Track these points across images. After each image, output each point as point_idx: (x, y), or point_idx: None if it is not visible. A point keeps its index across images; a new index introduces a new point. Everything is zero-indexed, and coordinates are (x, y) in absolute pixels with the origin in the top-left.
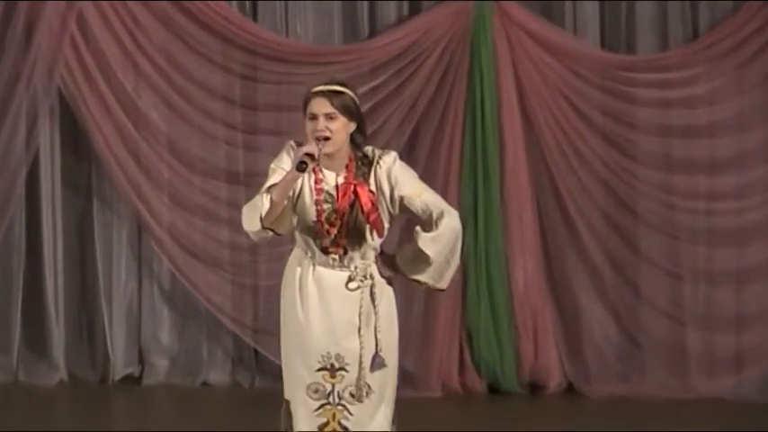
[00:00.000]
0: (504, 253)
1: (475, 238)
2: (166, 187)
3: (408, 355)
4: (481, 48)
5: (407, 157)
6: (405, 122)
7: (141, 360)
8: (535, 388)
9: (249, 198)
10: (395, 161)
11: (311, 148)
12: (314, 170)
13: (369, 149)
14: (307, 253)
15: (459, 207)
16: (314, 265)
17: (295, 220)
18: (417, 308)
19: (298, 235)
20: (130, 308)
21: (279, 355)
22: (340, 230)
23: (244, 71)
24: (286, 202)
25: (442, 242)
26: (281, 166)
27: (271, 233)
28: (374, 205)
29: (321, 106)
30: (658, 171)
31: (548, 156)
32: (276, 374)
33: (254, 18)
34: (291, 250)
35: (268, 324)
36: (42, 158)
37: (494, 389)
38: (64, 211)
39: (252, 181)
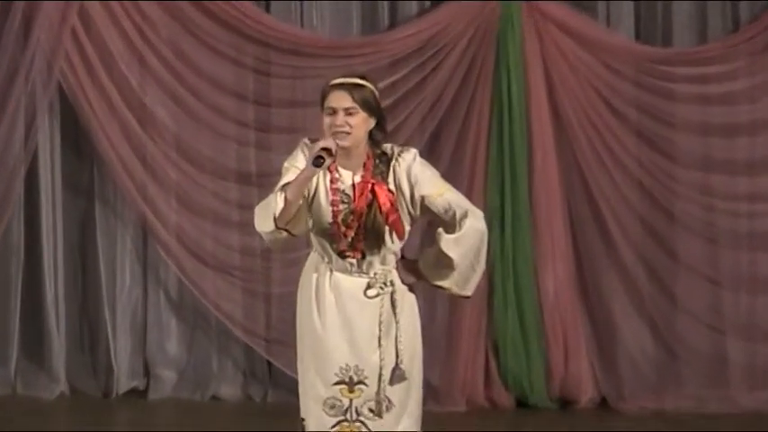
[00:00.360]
0: (532, 259)
1: (501, 243)
2: (173, 189)
3: (431, 367)
4: (508, 40)
5: (429, 156)
6: (426, 120)
7: (147, 372)
8: (565, 402)
9: (262, 200)
10: (415, 158)
11: (328, 142)
12: (329, 169)
13: (387, 147)
14: (323, 258)
15: (485, 210)
16: (331, 270)
17: (310, 223)
18: (440, 317)
19: (313, 238)
20: (135, 317)
21: (293, 368)
22: (357, 233)
23: (256, 65)
24: (301, 201)
25: (465, 244)
26: (295, 164)
27: (285, 234)
28: (393, 205)
29: (341, 100)
30: (697, 171)
31: (579, 155)
32: (290, 388)
33: (268, 9)
34: (307, 255)
35: (282, 334)
36: (41, 158)
37: (521, 403)
38: (64, 214)
39: (264, 182)
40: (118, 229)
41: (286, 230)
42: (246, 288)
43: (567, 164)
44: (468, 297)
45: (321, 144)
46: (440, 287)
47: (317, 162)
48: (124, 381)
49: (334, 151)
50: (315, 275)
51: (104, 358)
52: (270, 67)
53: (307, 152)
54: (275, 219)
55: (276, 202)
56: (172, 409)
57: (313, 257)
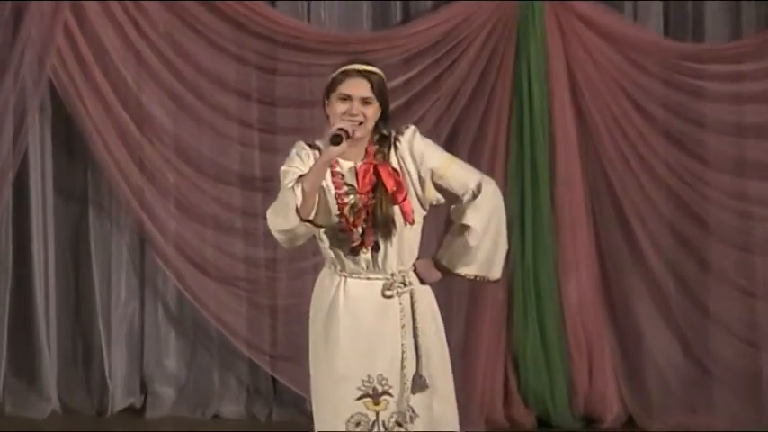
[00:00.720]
0: (554, 267)
1: (522, 252)
2: (172, 194)
3: None
4: (529, 35)
5: None
6: (442, 121)
7: (144, 389)
8: (590, 421)
9: (266, 205)
10: (415, 134)
11: (345, 124)
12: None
13: (384, 131)
14: (336, 267)
15: None
16: (345, 278)
17: (318, 232)
18: (456, 330)
19: (323, 244)
20: (131, 330)
21: (299, 384)
22: (367, 221)
23: (261, 62)
24: (318, 193)
25: (485, 210)
26: (294, 165)
27: (310, 226)
28: (400, 185)
29: (359, 88)
30: (729, 175)
31: (604, 158)
32: (296, 406)
33: (272, 2)
34: (315, 265)
35: (288, 349)
36: (31, 161)
37: (543, 422)
38: (56, 221)
39: (269, 186)
40: (113, 236)
41: (310, 222)
42: (250, 300)
43: (591, 167)
44: (497, 281)
45: (338, 125)
46: (465, 276)
47: (335, 140)
48: (120, 398)
49: (350, 134)
50: (328, 287)
51: (98, 374)
52: (275, 63)
53: (303, 155)
54: (297, 210)
55: (294, 194)
56: (170, 429)
57: (325, 271)
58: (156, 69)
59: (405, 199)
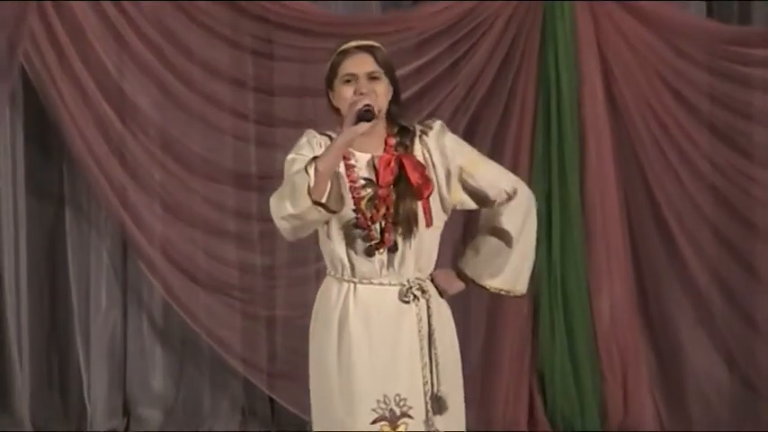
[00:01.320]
0: (585, 276)
1: (549, 258)
2: (159, 193)
3: (465, 404)
4: (556, 17)
5: None
6: (459, 112)
7: (127, 411)
8: None
9: (263, 206)
10: (443, 128)
11: (368, 99)
12: (343, 154)
13: (404, 122)
14: (343, 272)
15: None
16: (354, 285)
17: (329, 229)
18: (476, 344)
19: (331, 248)
20: (113, 345)
21: (298, 405)
22: (386, 217)
23: (257, 46)
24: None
25: (519, 215)
26: (303, 153)
27: (322, 212)
28: (427, 179)
29: (362, 64)
30: None
31: (641, 154)
32: (296, 428)
33: None
34: (316, 272)
35: (287, 366)
36: (1, 157)
37: None
38: (29, 224)
39: (267, 185)
40: (92, 241)
41: (323, 207)
42: (245, 311)
43: (626, 164)
44: (521, 296)
45: (367, 100)
46: (489, 289)
47: (368, 115)
48: (100, 422)
49: (376, 112)
50: (333, 296)
51: (76, 395)
52: (273, 48)
53: (314, 143)
54: (310, 190)
55: (307, 175)
56: None
57: (328, 281)
58: (140, 54)
59: (430, 194)
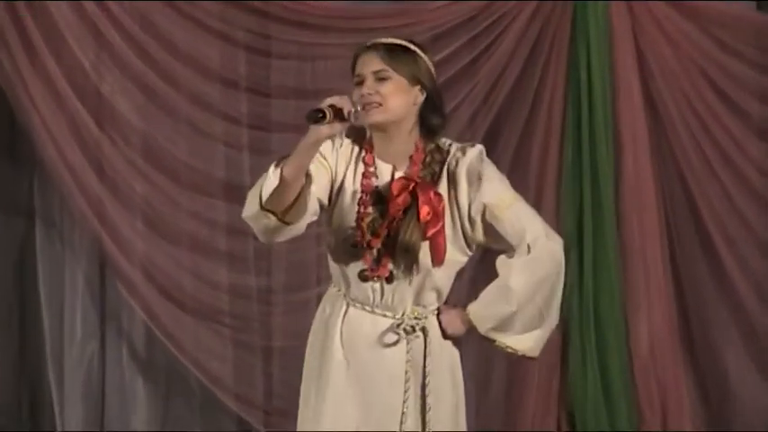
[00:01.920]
0: (620, 299)
1: (580, 280)
2: (140, 207)
3: None
4: (588, 10)
5: None
6: (479, 116)
7: None
8: None
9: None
10: (480, 157)
11: (342, 100)
12: (365, 159)
13: (444, 141)
14: (339, 286)
15: (558, 232)
16: (347, 305)
17: (332, 239)
18: (498, 376)
19: (330, 256)
20: (90, 378)
21: None
22: (385, 244)
23: (251, 42)
24: (302, 184)
25: (535, 273)
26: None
27: (273, 219)
28: (438, 215)
29: (368, 63)
30: None
31: (683, 164)
32: None
33: None
34: (319, 298)
35: (284, 402)
36: None
37: None
38: None
39: None
40: (66, 260)
41: (273, 214)
42: (238, 341)
43: (666, 173)
44: (533, 358)
45: (331, 100)
46: (494, 343)
47: (313, 115)
48: None
49: (347, 114)
50: (329, 312)
51: None
52: (270, 44)
53: (334, 144)
54: (260, 197)
55: (269, 176)
56: None
57: (330, 293)
58: (120, 52)
59: (439, 234)
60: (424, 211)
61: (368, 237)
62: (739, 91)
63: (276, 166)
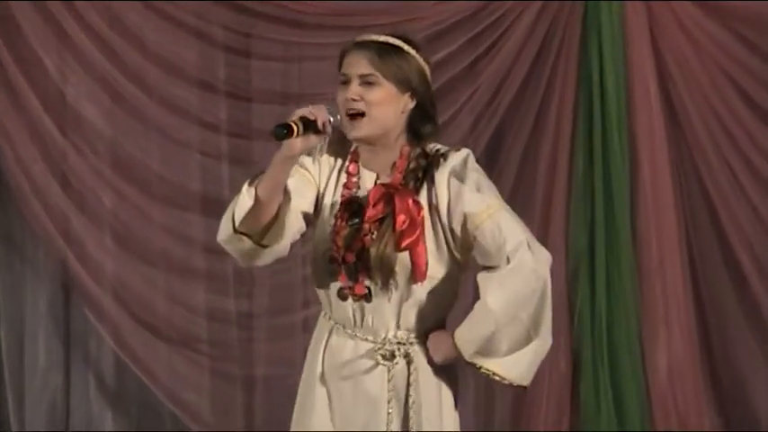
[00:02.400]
0: (636, 324)
1: (591, 302)
2: (110, 223)
3: None
4: (601, 6)
5: (486, 174)
6: (481, 122)
7: None
8: None
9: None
10: (465, 162)
11: (318, 111)
12: (348, 168)
13: (432, 147)
14: (326, 312)
15: (568, 251)
16: (329, 330)
17: (312, 256)
18: (501, 410)
19: (313, 279)
20: (53, 412)
21: None
22: (360, 257)
23: (231, 41)
24: (278, 204)
25: (515, 286)
26: (303, 165)
27: (247, 241)
28: (414, 224)
29: (355, 64)
30: None
31: (705, 174)
32: None
33: None
34: (305, 323)
35: None
36: None
37: None
38: None
39: None
40: (27, 282)
41: (248, 236)
42: (216, 369)
43: (686, 184)
44: (523, 388)
45: (302, 111)
46: (479, 369)
47: (278, 131)
48: None
49: (321, 126)
50: (317, 336)
51: None
52: (250, 43)
53: (317, 153)
54: (233, 218)
55: (242, 196)
56: None
57: (319, 318)
58: (87, 52)
59: (414, 244)
60: (400, 219)
61: (343, 251)
62: (765, 94)
63: (250, 184)
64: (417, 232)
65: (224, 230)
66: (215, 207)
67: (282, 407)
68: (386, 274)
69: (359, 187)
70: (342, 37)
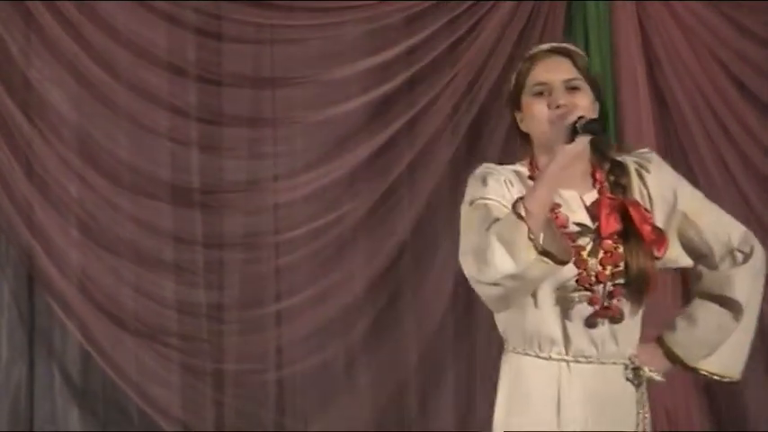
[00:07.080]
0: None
1: None
2: (75, 212)
3: None
4: None
5: (466, 167)
6: (460, 109)
7: None
8: None
9: (208, 227)
10: (661, 161)
11: (580, 112)
12: None
13: (609, 153)
14: (551, 351)
15: None
16: (567, 364)
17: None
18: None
19: (534, 321)
20: (16, 407)
21: None
22: (614, 276)
23: (200, 23)
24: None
25: (754, 281)
26: (489, 196)
27: (550, 263)
28: (661, 234)
29: (556, 69)
30: None
31: (695, 163)
32: None
33: None
34: (277, 316)
35: None
36: None
37: None
38: None
39: (212, 201)
40: None
41: (550, 256)
42: (186, 364)
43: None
44: (736, 382)
45: (577, 111)
46: (700, 372)
47: (591, 127)
48: None
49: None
50: (541, 381)
51: None
52: (220, 25)
53: (502, 180)
54: (533, 240)
55: (522, 219)
56: None
57: (521, 362)
58: (51, 34)
59: (665, 252)
60: (646, 229)
61: (594, 271)
62: (758, 80)
63: (513, 210)
64: (666, 239)
65: (522, 258)
66: (184, 196)
67: (252, 401)
68: (644, 286)
69: (569, 208)
70: (313, 18)
